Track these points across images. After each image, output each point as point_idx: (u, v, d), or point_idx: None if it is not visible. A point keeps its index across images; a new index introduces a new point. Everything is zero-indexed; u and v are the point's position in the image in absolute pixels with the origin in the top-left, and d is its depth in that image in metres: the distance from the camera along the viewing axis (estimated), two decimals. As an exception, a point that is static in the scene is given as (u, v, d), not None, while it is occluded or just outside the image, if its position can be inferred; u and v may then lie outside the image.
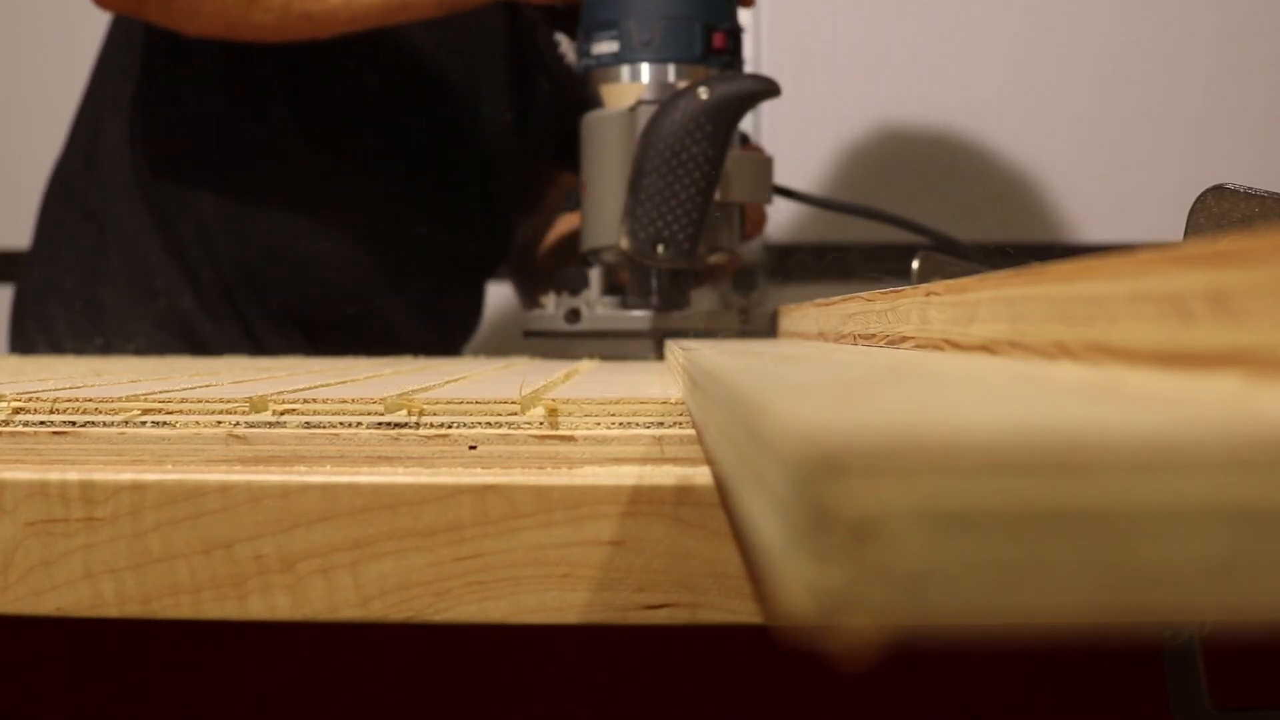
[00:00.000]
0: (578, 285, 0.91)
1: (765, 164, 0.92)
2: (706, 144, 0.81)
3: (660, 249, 0.82)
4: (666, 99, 0.83)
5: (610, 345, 0.91)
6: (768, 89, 0.85)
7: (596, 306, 0.90)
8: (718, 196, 0.84)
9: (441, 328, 1.16)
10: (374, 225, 1.10)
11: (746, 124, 0.92)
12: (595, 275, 0.91)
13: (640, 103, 0.87)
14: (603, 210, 0.90)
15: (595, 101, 0.92)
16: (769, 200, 0.94)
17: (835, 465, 0.12)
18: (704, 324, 0.88)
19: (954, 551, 0.12)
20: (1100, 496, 0.12)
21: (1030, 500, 0.12)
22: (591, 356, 0.87)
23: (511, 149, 1.15)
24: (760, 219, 1.04)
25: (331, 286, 1.09)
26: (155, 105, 1.09)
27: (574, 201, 0.94)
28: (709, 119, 0.81)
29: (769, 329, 0.88)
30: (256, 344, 1.07)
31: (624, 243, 0.83)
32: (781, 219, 1.20)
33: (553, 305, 0.91)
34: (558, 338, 0.91)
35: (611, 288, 0.91)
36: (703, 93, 0.82)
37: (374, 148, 1.10)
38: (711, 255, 0.90)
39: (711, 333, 0.87)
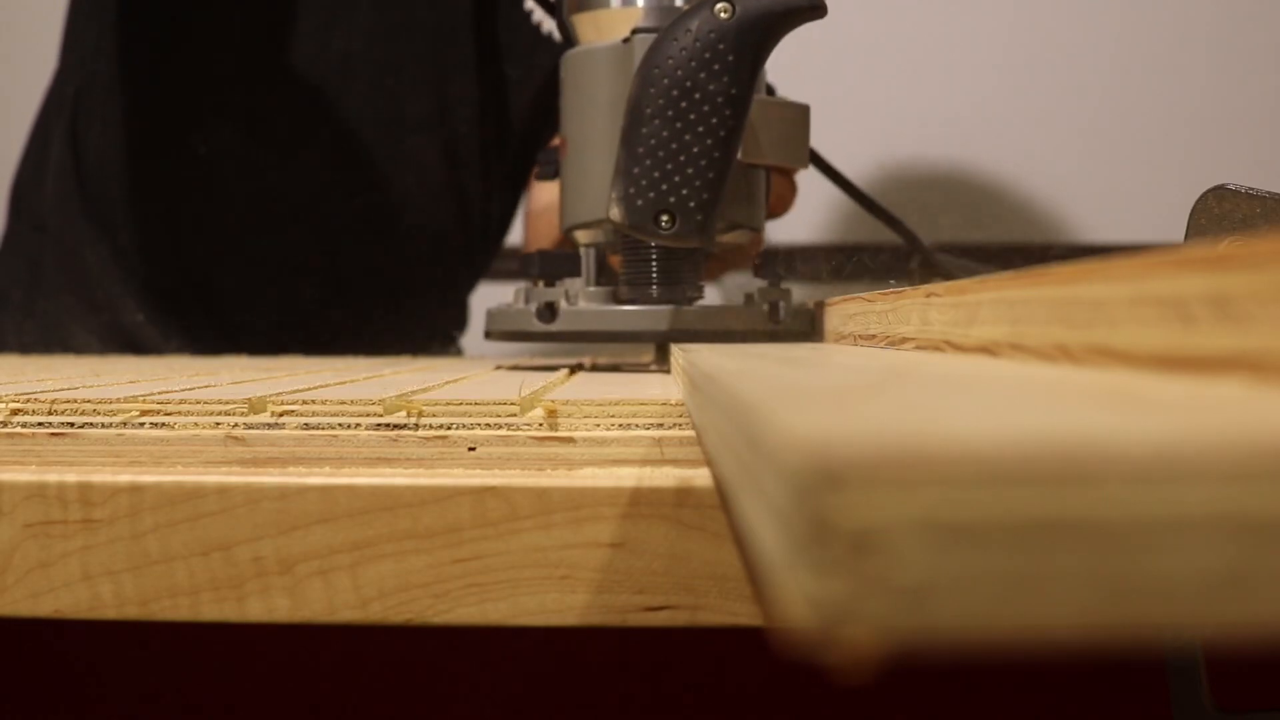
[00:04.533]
0: (555, 272, 0.69)
1: (801, 115, 0.70)
2: (728, 80, 0.60)
3: (664, 221, 0.60)
4: (673, 21, 0.62)
5: (598, 350, 0.75)
6: (810, 6, 0.63)
7: (579, 300, 0.68)
8: (739, 155, 0.62)
9: (413, 329, 1.09)
10: (328, 221, 1.04)
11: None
12: (579, 260, 0.70)
13: (636, 31, 0.66)
14: (588, 175, 0.68)
15: (576, 36, 0.71)
16: (805, 163, 0.71)
17: (835, 477, 0.12)
18: (720, 323, 0.67)
19: (955, 563, 0.12)
20: (1103, 507, 0.12)
21: (1032, 511, 0.12)
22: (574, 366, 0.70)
23: (485, 133, 1.08)
24: (789, 190, 0.84)
25: (284, 287, 1.04)
26: (96, 105, 1.05)
27: (552, 168, 0.73)
28: (731, 46, 0.60)
29: (807, 329, 0.69)
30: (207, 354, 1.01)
31: (615, 213, 0.61)
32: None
33: (522, 298, 0.69)
34: (528, 340, 0.69)
35: (600, 276, 0.70)
36: (722, 10, 0.61)
37: (322, 136, 1.04)
38: (729, 233, 0.69)
39: (730, 334, 0.67)
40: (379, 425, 0.36)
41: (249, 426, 0.36)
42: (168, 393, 0.41)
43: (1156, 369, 0.23)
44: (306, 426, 0.36)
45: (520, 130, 1.11)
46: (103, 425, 0.37)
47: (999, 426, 0.14)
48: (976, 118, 1.45)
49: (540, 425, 0.36)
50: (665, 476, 0.33)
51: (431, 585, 0.32)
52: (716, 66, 0.60)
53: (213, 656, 0.48)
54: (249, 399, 0.38)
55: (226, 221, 1.03)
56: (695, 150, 0.60)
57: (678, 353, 0.48)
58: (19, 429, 0.36)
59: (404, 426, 0.36)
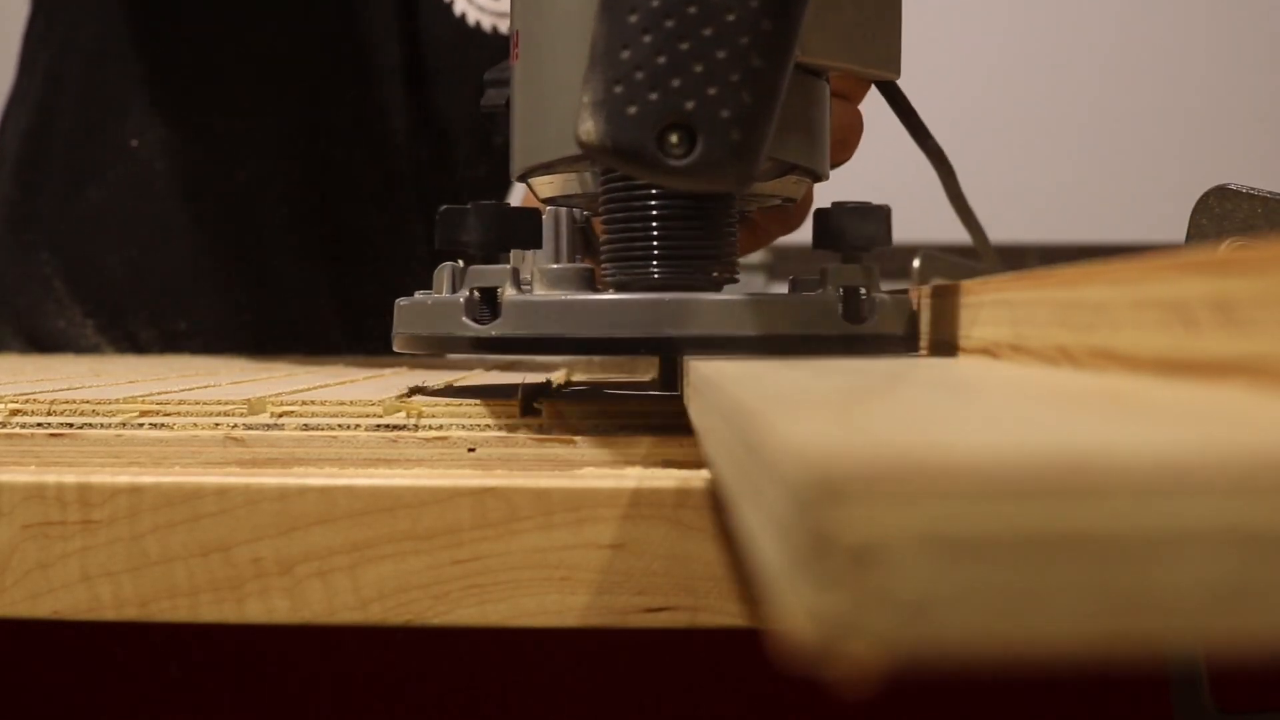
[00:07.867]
0: (502, 240, 0.41)
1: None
2: None
3: (674, 143, 0.32)
4: None
5: (572, 363, 0.56)
6: None
7: (534, 285, 0.41)
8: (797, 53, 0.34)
9: (364, 318, 1.04)
10: (262, 221, 1.01)
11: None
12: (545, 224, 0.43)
13: None
14: (553, 88, 0.41)
15: None
16: (896, 70, 0.44)
17: (836, 490, 0.12)
18: (762, 323, 0.38)
19: (957, 577, 0.12)
20: (1105, 521, 0.12)
21: (1034, 525, 0.12)
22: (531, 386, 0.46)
23: (413, 145, 1.03)
24: (853, 124, 0.56)
25: (219, 290, 1.00)
26: (28, 107, 1.03)
27: (504, 92, 0.46)
28: None
29: (905, 332, 0.42)
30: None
31: (587, 130, 0.33)
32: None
33: (446, 283, 0.42)
34: (454, 350, 0.41)
35: (586, 248, 0.46)
36: None
37: (254, 135, 1.00)
38: (775, 180, 0.43)
39: (779, 341, 0.38)
40: (378, 426, 0.36)
41: (248, 427, 0.36)
42: (167, 393, 0.41)
43: (1158, 373, 0.23)
44: (306, 427, 0.36)
45: (455, 139, 1.06)
46: (102, 426, 0.37)
47: (1001, 438, 0.14)
48: (976, 117, 1.45)
49: (540, 426, 0.36)
50: (666, 477, 0.33)
51: (431, 586, 0.32)
52: None
53: (212, 657, 0.48)
54: (248, 400, 0.38)
55: (157, 219, 1.00)
56: (730, 19, 0.32)
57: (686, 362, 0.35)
58: (18, 429, 0.36)
59: (403, 427, 0.36)
